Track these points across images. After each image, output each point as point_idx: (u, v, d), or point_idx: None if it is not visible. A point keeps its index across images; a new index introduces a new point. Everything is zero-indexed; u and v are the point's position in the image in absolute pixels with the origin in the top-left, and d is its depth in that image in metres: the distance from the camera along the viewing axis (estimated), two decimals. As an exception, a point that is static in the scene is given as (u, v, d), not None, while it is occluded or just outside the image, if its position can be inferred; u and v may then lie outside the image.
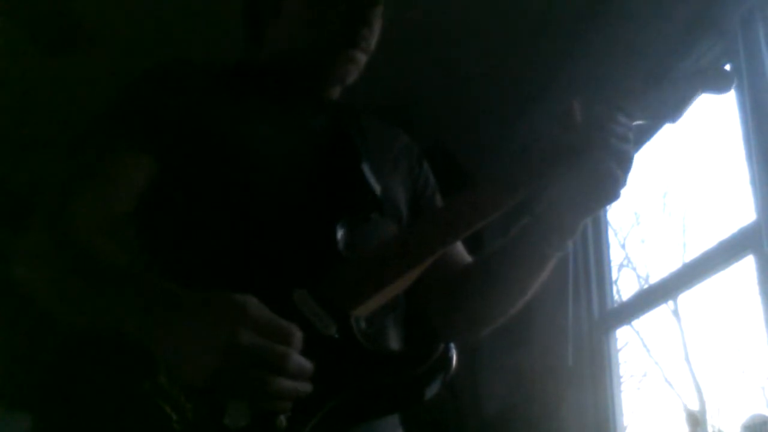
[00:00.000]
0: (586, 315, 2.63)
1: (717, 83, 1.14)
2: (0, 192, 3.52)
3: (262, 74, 1.18)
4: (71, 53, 2.99)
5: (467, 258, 1.22)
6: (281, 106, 1.15)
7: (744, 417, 3.32)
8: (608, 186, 1.03)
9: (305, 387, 0.83)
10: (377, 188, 1.08)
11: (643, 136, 2.48)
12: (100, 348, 0.87)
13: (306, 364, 0.83)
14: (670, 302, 3.56)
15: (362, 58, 1.14)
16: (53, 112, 3.17)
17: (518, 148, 2.98)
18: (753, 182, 1.94)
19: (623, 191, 1.05)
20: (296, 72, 1.17)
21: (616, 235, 3.76)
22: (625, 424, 2.48)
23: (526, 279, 1.13)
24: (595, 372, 2.52)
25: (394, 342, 1.06)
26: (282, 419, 0.82)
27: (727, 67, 2.08)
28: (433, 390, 0.88)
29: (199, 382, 0.80)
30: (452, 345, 0.90)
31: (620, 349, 2.97)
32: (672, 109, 1.12)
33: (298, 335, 0.83)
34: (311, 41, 1.13)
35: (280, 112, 1.14)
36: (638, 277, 4.01)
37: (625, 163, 1.04)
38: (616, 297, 2.75)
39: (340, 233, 0.99)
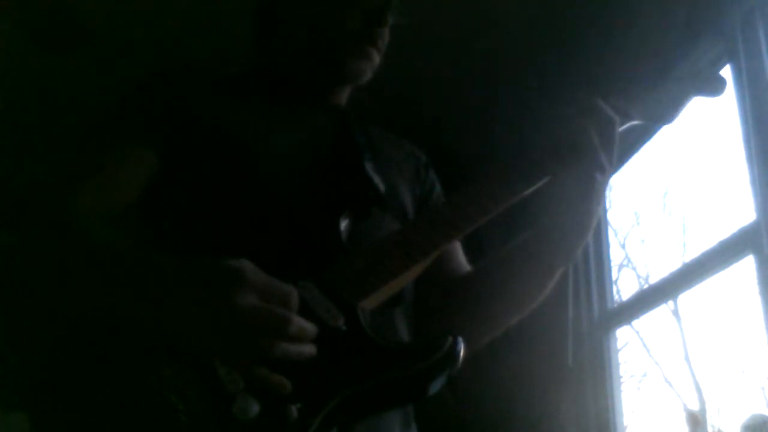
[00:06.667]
0: (586, 315, 2.63)
1: (709, 86, 1.15)
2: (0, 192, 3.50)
3: (269, 77, 1.20)
4: (71, 53, 2.99)
5: (466, 266, 1.22)
6: (286, 107, 1.16)
7: (744, 417, 3.32)
8: (593, 165, 1.03)
9: (309, 349, 0.82)
10: (380, 185, 1.09)
11: (643, 136, 2.49)
12: (103, 342, 0.86)
13: (307, 325, 0.82)
14: (670, 302, 3.56)
15: (377, 57, 1.16)
16: (53, 112, 3.17)
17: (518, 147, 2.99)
18: (753, 182, 1.94)
19: (611, 178, 1.06)
20: (309, 72, 1.18)
21: (616, 235, 3.77)
22: (625, 424, 2.48)
23: (531, 291, 1.14)
24: (595, 372, 2.52)
25: (401, 335, 1.06)
26: (293, 410, 0.80)
27: (723, 70, 2.08)
28: (438, 384, 0.87)
29: (200, 350, 0.79)
30: (460, 339, 0.89)
31: (620, 349, 2.97)
32: (667, 110, 1.13)
33: (295, 297, 0.82)
34: (330, 39, 1.14)
35: (285, 113, 1.15)
36: (638, 277, 4.02)
37: (608, 146, 1.04)
38: (616, 297, 2.75)
39: (342, 225, 0.99)
